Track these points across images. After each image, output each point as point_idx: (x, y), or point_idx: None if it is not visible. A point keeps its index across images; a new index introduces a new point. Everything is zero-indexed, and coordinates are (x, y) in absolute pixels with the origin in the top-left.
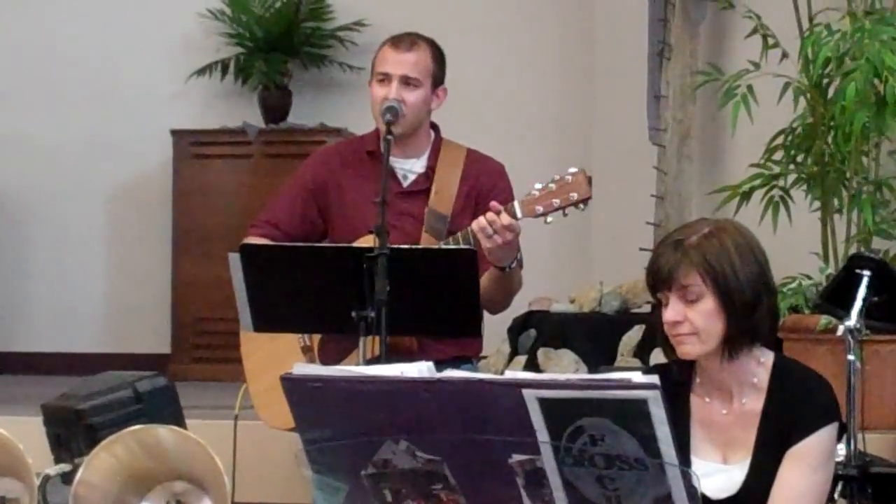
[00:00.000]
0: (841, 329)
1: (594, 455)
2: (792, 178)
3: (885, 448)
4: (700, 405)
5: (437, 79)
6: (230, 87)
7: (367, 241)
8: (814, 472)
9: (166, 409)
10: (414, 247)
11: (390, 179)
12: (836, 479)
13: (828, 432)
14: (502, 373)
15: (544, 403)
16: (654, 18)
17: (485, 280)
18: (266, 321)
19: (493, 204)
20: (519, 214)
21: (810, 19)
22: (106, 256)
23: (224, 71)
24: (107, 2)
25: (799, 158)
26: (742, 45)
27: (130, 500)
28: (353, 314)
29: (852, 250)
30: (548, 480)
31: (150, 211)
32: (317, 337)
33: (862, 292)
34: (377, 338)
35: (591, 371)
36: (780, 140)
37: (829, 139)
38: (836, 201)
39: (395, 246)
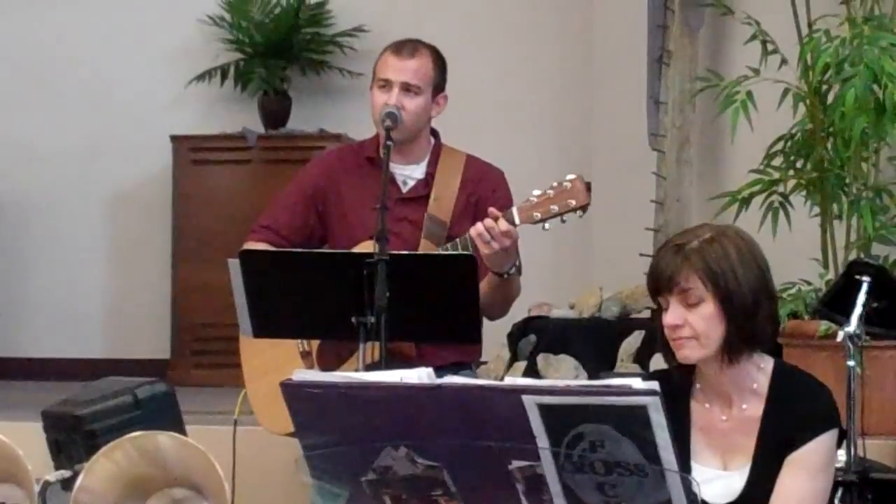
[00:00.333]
0: (841, 335)
1: (594, 461)
2: (791, 183)
3: (884, 454)
4: (700, 411)
5: (438, 86)
6: (230, 93)
7: (366, 247)
8: (814, 479)
9: (166, 415)
10: (413, 253)
11: (390, 185)
12: (836, 485)
13: (828, 438)
14: (502, 378)
15: (544, 409)
16: (654, 24)
17: (484, 286)
18: (266, 327)
19: (491, 210)
20: (517, 221)
21: (809, 25)
22: (106, 262)
23: (223, 76)
24: (106, 8)
25: (798, 164)
26: (741, 51)
27: None
28: (353, 320)
29: (852, 256)
30: (548, 487)
31: (150, 216)
32: (316, 342)
33: (862, 298)
34: (376, 343)
35: (591, 377)
36: (779, 146)
37: (829, 145)
38: (835, 207)
39: (395, 252)
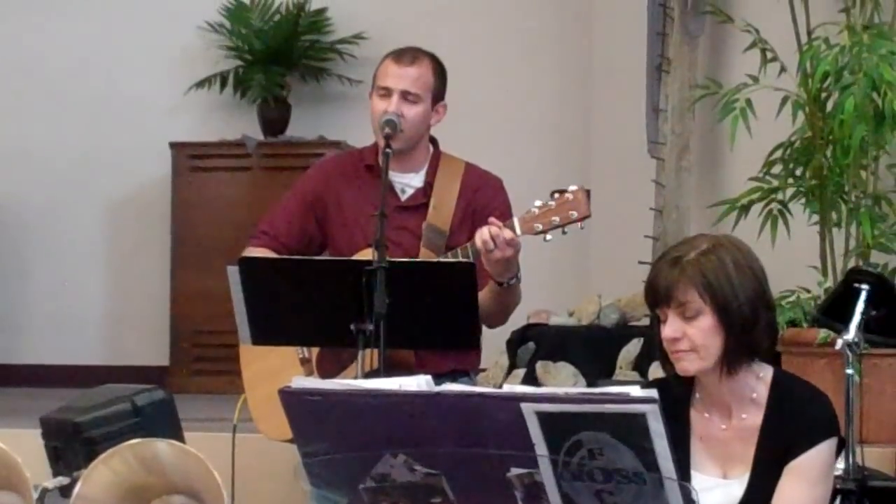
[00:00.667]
0: (839, 343)
1: (593, 469)
2: (790, 191)
3: (883, 462)
4: (700, 420)
5: (438, 94)
6: (229, 100)
7: (365, 255)
8: (813, 487)
9: (164, 423)
10: (412, 260)
11: (388, 193)
12: (835, 493)
13: (827, 447)
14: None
15: (543, 417)
16: (653, 32)
17: (484, 294)
18: (265, 334)
19: (492, 219)
20: (518, 232)
21: (809, 33)
22: (105, 269)
23: (223, 83)
24: (106, 14)
25: (797, 172)
26: (741, 59)
27: None
28: (352, 327)
29: (851, 264)
30: (546, 494)
31: (149, 223)
32: (315, 349)
33: (860, 306)
34: (376, 351)
35: (589, 384)
36: (778, 154)
37: (828, 153)
38: (834, 215)
39: (394, 259)
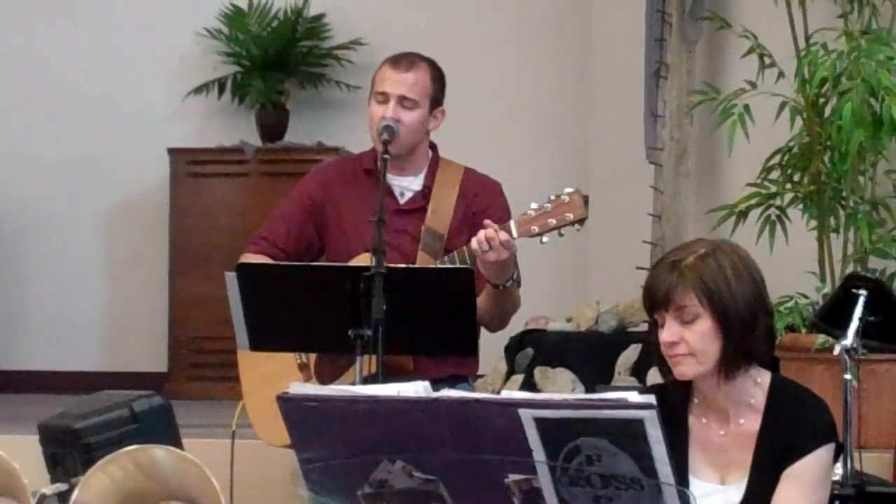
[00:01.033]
0: (837, 348)
1: (591, 475)
2: (788, 197)
3: (881, 467)
4: (698, 426)
5: (436, 100)
6: (227, 106)
7: (363, 260)
8: (810, 493)
9: (163, 429)
10: (410, 266)
11: (387, 197)
12: (833, 498)
13: (824, 452)
14: (499, 392)
15: (541, 423)
16: (651, 38)
17: (482, 298)
18: (263, 340)
19: (488, 222)
20: (515, 234)
21: (807, 39)
22: (103, 275)
23: (221, 89)
24: (104, 21)
25: (795, 178)
26: (738, 65)
27: None
28: (350, 333)
29: (849, 269)
30: (544, 500)
31: (148, 229)
32: (313, 355)
33: (858, 312)
34: (374, 356)
35: (587, 390)
36: (776, 159)
37: (826, 158)
38: (832, 220)
39: (392, 265)
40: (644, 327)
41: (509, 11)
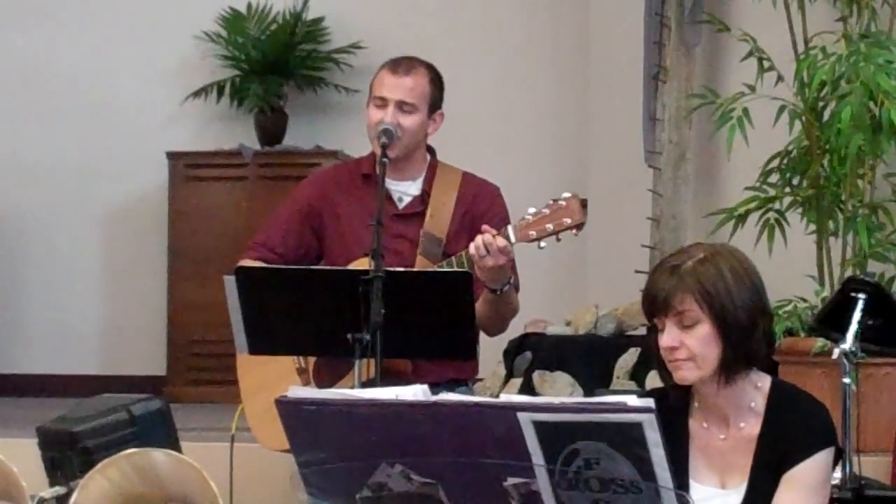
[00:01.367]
0: (836, 352)
1: (589, 478)
2: (787, 200)
3: (880, 471)
4: (698, 430)
5: (435, 104)
6: (226, 110)
7: (362, 264)
8: (810, 497)
9: (161, 432)
10: (409, 270)
11: (385, 202)
12: (832, 502)
13: (824, 457)
14: (498, 395)
15: (539, 426)
16: (650, 41)
17: (480, 303)
18: (261, 344)
19: (485, 227)
20: (513, 239)
21: (806, 42)
22: (101, 278)
23: (220, 93)
24: (102, 24)
25: (794, 181)
26: (737, 68)
27: None
28: (349, 337)
29: (848, 273)
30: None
31: (146, 233)
32: (312, 359)
33: (857, 315)
34: (372, 360)
35: (586, 394)
36: (775, 163)
37: (825, 162)
38: (831, 224)
39: (391, 269)
40: (643, 331)
41: (508, 15)
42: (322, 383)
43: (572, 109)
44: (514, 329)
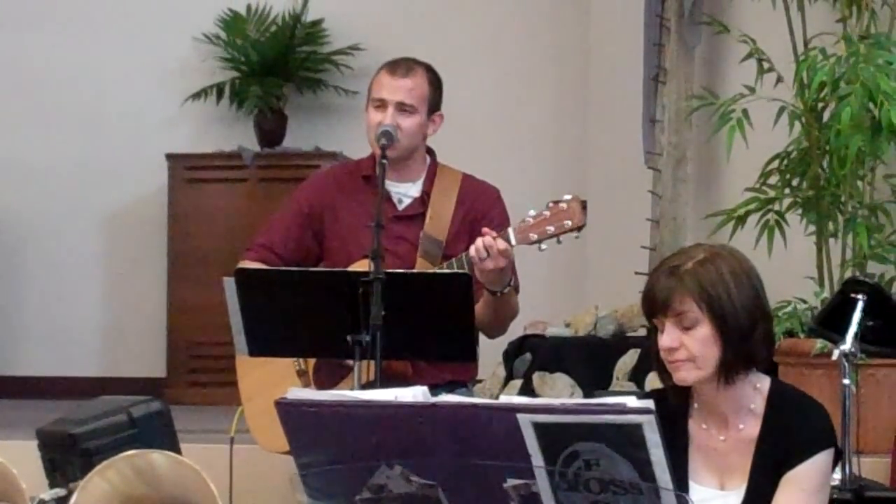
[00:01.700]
0: (836, 353)
1: (589, 480)
2: (787, 202)
3: (879, 472)
4: (698, 431)
5: (434, 105)
6: (225, 112)
7: (361, 266)
8: (809, 498)
9: (161, 434)
10: (409, 271)
11: (385, 203)
12: (831, 503)
13: (824, 458)
14: (497, 397)
15: (539, 428)
16: (650, 43)
17: (480, 305)
18: (261, 346)
19: (486, 230)
20: (513, 241)
21: (805, 43)
22: (101, 281)
23: (219, 95)
24: (101, 26)
25: (794, 182)
26: (737, 70)
27: None
28: (348, 338)
29: (847, 274)
30: None
31: (146, 235)
32: (312, 361)
33: (857, 316)
34: (372, 362)
35: (586, 395)
36: (775, 164)
37: (824, 163)
38: (831, 225)
39: (390, 270)
40: (643, 332)
41: (507, 16)
42: (322, 385)
43: (572, 111)
44: (514, 330)
